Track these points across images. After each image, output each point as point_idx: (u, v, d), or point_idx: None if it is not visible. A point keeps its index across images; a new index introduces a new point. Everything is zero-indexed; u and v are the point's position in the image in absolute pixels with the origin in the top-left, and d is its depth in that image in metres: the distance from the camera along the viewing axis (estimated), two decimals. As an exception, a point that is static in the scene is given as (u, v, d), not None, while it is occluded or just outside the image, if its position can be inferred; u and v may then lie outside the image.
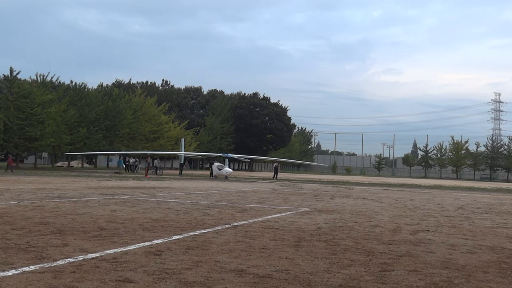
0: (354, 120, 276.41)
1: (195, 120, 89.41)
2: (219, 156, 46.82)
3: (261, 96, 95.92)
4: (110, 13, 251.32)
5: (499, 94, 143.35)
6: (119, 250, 5.90)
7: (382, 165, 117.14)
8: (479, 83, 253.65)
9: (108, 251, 5.82)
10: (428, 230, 9.08)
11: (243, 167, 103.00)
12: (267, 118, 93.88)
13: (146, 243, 6.50)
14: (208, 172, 47.26)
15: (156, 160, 46.35)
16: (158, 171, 44.16)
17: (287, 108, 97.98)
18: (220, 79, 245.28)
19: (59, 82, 62.36)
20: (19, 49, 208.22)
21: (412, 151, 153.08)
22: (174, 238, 7.00)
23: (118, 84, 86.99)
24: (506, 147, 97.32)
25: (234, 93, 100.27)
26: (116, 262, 5.26)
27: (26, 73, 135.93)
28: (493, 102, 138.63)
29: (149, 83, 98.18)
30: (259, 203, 14.04)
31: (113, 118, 56.80)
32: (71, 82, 59.97)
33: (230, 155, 47.11)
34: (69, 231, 7.25)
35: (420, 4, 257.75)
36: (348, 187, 28.60)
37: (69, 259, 5.32)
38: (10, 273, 4.60)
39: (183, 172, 49.21)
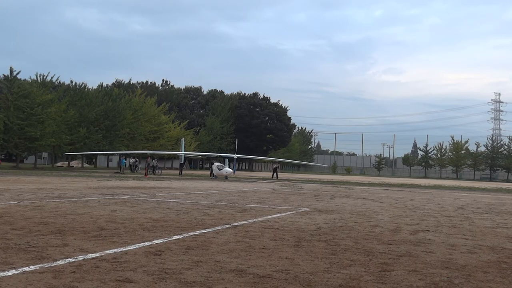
0: (354, 120, 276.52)
1: (195, 120, 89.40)
2: (219, 156, 46.80)
3: (261, 96, 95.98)
4: (110, 13, 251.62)
5: (499, 94, 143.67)
6: (119, 250, 5.90)
7: (382, 165, 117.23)
8: (479, 83, 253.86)
9: (108, 251, 5.82)
10: (428, 230, 9.08)
11: (243, 167, 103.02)
12: (267, 118, 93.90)
13: (146, 243, 6.50)
14: (208, 172, 47.27)
15: (154, 160, 46.32)
16: (155, 171, 44.10)
17: (287, 108, 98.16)
18: (220, 79, 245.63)
19: (59, 82, 62.48)
20: (19, 49, 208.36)
21: (412, 151, 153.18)
22: (174, 238, 6.99)
23: (118, 84, 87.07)
24: (506, 147, 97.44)
25: (234, 93, 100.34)
26: (116, 262, 5.26)
27: (26, 73, 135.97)
28: (493, 102, 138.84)
29: (149, 83, 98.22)
30: (259, 203, 14.04)
31: (113, 118, 56.80)
32: (71, 82, 60.11)
33: (229, 155, 47.11)
34: (69, 231, 7.25)
35: (422, 3, 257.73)
36: (348, 187, 28.60)
37: (69, 259, 5.31)
38: (10, 273, 4.60)
39: (183, 172, 49.24)
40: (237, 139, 51.09)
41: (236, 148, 45.83)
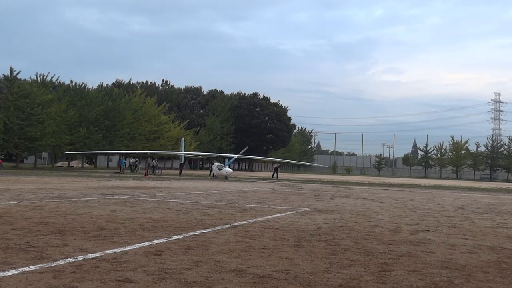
0: (354, 120, 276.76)
1: (195, 120, 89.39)
2: (219, 156, 46.78)
3: (261, 96, 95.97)
4: (110, 12, 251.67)
5: (499, 94, 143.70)
6: (119, 250, 5.90)
7: (382, 165, 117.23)
8: (479, 83, 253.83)
9: (108, 251, 5.81)
10: (428, 230, 9.08)
11: (243, 167, 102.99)
12: (267, 118, 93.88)
13: (146, 243, 6.50)
14: (208, 172, 47.26)
15: (154, 160, 46.32)
16: (155, 171, 44.08)
17: (287, 108, 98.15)
18: (220, 79, 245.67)
19: (59, 82, 62.49)
20: (19, 49, 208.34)
21: (412, 151, 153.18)
22: (174, 238, 6.99)
23: (118, 84, 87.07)
24: (506, 147, 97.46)
25: (234, 93, 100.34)
26: (116, 262, 5.26)
27: (26, 73, 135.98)
28: (493, 102, 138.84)
29: (149, 83, 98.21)
30: (259, 203, 14.04)
31: (113, 118, 56.80)
32: (71, 82, 60.13)
33: (230, 155, 47.09)
34: (69, 231, 7.25)
35: (422, 3, 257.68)
36: (348, 187, 28.60)
37: (69, 259, 5.31)
38: (10, 273, 4.60)
39: (183, 172, 49.22)
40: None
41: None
